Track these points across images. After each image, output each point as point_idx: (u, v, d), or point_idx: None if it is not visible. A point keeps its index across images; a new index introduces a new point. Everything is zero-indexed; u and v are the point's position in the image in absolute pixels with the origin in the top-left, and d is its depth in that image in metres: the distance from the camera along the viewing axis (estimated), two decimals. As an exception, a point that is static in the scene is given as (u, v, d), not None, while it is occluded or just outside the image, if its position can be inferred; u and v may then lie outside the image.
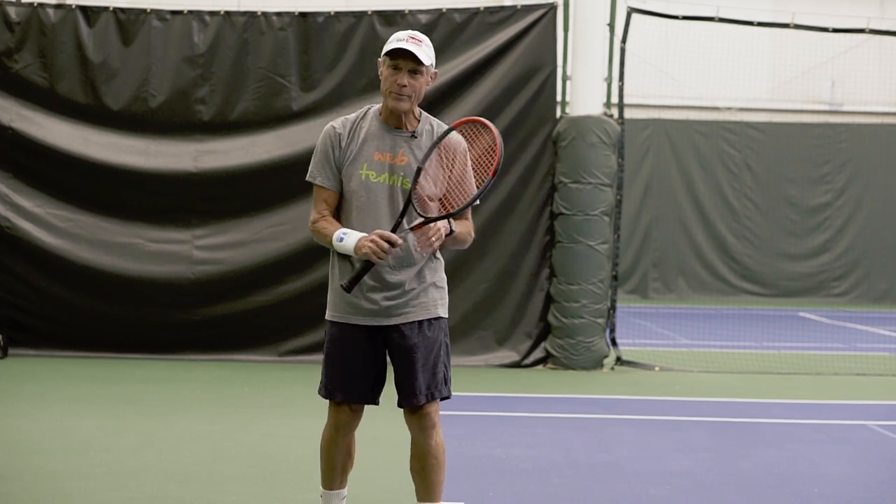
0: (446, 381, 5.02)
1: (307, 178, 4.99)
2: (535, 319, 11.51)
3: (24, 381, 9.97)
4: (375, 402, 5.06)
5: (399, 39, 4.84)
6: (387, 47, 4.85)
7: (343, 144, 4.92)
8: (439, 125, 5.03)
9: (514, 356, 11.45)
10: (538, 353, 11.47)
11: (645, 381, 10.81)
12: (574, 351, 11.29)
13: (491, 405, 9.38)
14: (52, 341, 11.31)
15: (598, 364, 11.37)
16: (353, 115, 5.01)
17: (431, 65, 4.92)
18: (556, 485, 6.57)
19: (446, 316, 5.05)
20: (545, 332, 11.48)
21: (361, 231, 4.82)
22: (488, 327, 11.49)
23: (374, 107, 5.03)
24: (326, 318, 5.03)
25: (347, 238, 4.78)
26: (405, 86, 4.84)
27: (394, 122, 4.94)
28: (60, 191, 11.40)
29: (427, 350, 4.95)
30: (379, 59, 4.94)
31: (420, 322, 4.94)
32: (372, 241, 4.69)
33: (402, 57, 4.82)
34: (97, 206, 11.40)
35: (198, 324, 11.32)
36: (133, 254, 11.34)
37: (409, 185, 4.82)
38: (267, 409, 8.79)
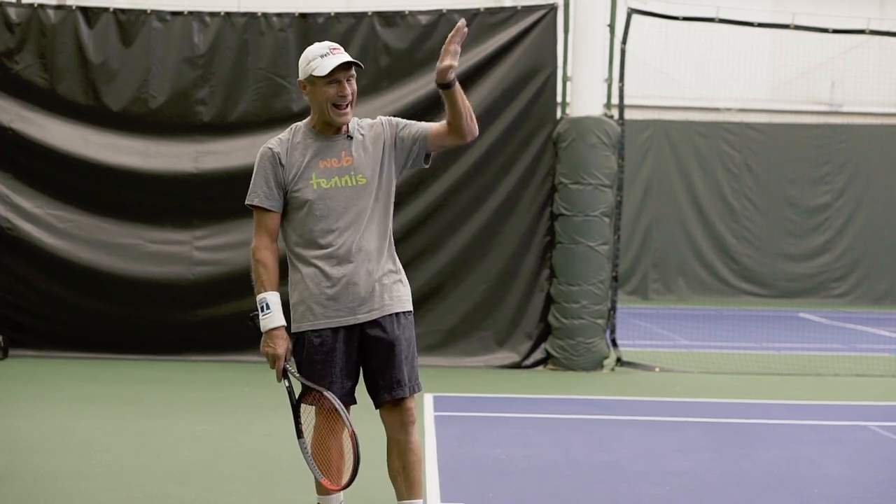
0: (418, 376, 5.08)
1: (247, 203, 5.05)
2: (535, 320, 11.51)
3: (24, 381, 9.98)
4: (354, 402, 5.08)
5: (324, 55, 4.87)
6: (318, 69, 4.84)
7: (284, 162, 4.96)
8: (361, 121, 5.07)
9: (514, 357, 11.45)
10: (538, 354, 11.47)
11: (645, 382, 10.81)
12: (574, 352, 11.29)
13: (491, 406, 9.38)
14: (53, 342, 11.32)
15: (598, 365, 11.37)
16: (284, 135, 5.04)
17: None
18: (556, 485, 6.57)
19: (412, 310, 5.12)
20: (545, 332, 11.48)
21: (324, 234, 4.90)
22: (488, 328, 11.49)
23: (300, 124, 5.06)
24: (299, 330, 5.00)
25: (269, 317, 4.93)
26: (347, 95, 4.89)
27: (331, 131, 4.98)
28: (60, 191, 11.40)
29: (407, 343, 5.01)
30: (301, 80, 4.95)
31: (397, 314, 4.99)
32: (275, 356, 4.90)
33: (341, 69, 4.87)
34: (97, 207, 11.41)
35: (198, 324, 11.32)
36: (133, 254, 11.34)
37: (365, 181, 4.90)
38: (267, 409, 8.79)
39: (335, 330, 4.95)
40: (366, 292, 4.93)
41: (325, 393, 4.85)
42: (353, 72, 4.93)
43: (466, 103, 4.90)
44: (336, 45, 4.95)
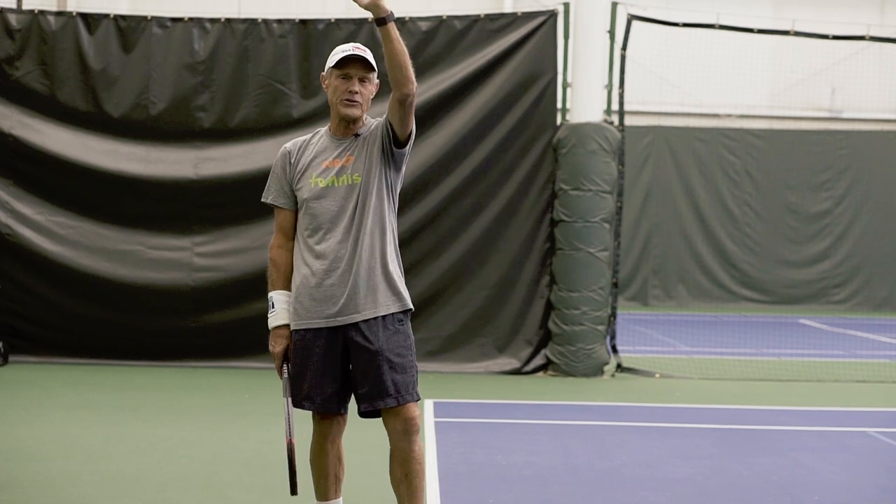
0: (416, 383, 4.97)
1: (262, 199, 5.11)
2: (535, 326, 11.50)
3: (24, 388, 9.97)
4: (345, 411, 5.04)
5: (345, 50, 4.96)
6: (333, 59, 4.95)
7: (293, 160, 5.03)
8: (370, 121, 5.11)
9: (514, 363, 11.45)
10: (539, 360, 11.47)
11: (645, 388, 10.80)
12: (574, 358, 11.28)
13: (492, 412, 9.38)
14: (53, 348, 11.31)
15: (598, 371, 11.36)
16: (305, 136, 5.13)
17: (376, 73, 5.03)
18: (557, 491, 6.56)
19: (411, 308, 5.03)
20: (546, 339, 11.48)
21: (315, 233, 4.93)
22: (489, 334, 11.48)
23: (324, 129, 5.13)
24: (290, 328, 5.02)
25: (273, 315, 5.01)
26: (356, 92, 4.95)
27: (341, 132, 5.02)
28: (61, 198, 11.40)
29: (394, 351, 4.90)
30: (322, 75, 5.06)
31: (384, 318, 4.92)
32: (277, 353, 4.99)
33: (352, 65, 4.93)
34: (97, 213, 11.41)
35: (198, 331, 11.31)
36: (133, 261, 11.34)
37: (360, 179, 4.93)
38: (267, 416, 8.77)
39: (317, 331, 4.93)
40: (350, 295, 4.88)
41: (285, 398, 4.93)
42: (371, 77, 4.98)
43: (400, 47, 4.79)
44: (363, 47, 5.00)
